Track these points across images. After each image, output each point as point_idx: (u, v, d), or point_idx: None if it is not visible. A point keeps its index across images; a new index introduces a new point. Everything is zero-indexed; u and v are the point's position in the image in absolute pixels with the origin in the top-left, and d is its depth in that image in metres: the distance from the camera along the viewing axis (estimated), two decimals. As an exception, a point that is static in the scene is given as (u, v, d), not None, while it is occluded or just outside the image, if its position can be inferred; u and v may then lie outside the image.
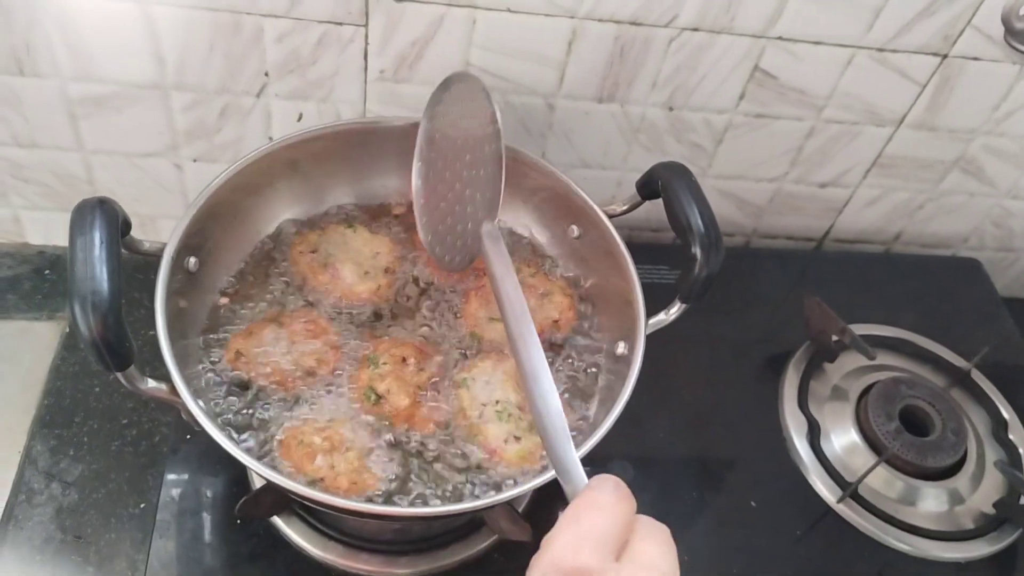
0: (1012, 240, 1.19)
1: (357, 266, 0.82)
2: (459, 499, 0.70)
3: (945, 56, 0.93)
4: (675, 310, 0.75)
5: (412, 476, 0.72)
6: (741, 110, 0.97)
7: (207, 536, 0.80)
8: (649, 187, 0.78)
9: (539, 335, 0.73)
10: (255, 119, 0.91)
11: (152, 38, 0.82)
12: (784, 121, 0.99)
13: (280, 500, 0.77)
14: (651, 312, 0.75)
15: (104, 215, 0.61)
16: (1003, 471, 0.94)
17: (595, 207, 0.81)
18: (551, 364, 0.77)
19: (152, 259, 0.70)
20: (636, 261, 0.78)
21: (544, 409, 0.56)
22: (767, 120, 0.99)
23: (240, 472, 0.84)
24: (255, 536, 0.80)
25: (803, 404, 0.97)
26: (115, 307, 0.57)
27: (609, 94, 0.94)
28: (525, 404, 0.75)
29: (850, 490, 0.89)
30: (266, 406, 0.73)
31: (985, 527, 0.91)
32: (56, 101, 0.87)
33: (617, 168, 1.03)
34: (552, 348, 0.82)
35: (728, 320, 1.04)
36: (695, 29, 0.88)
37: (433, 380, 0.77)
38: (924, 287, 1.14)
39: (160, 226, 0.99)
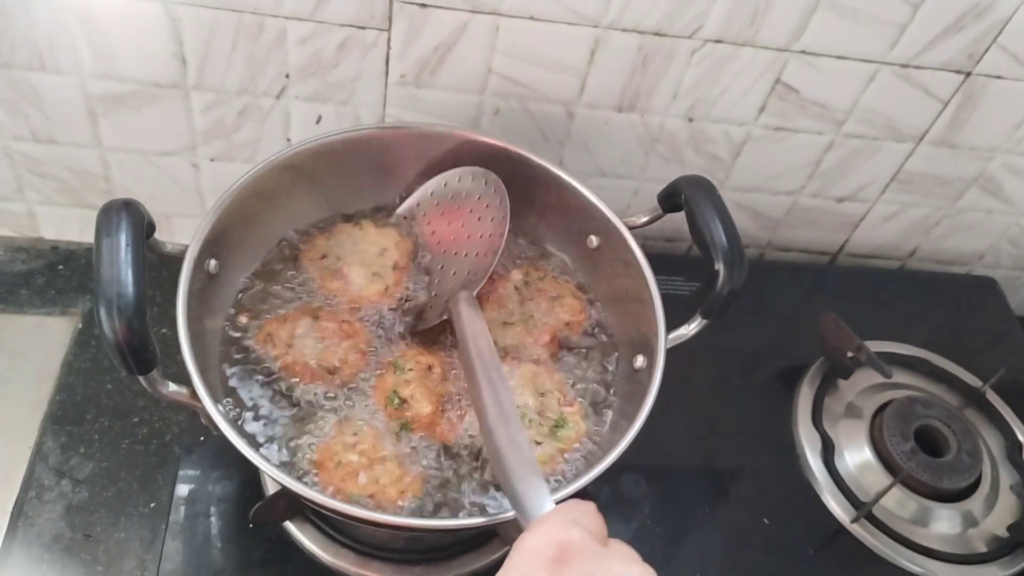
0: (1028, 259, 1.19)
1: (365, 267, 0.82)
2: (482, 510, 0.70)
3: (969, 74, 0.93)
4: (695, 325, 0.75)
5: (451, 480, 0.72)
6: (761, 123, 0.97)
7: (219, 539, 0.80)
8: (671, 200, 0.78)
9: (553, 338, 0.80)
10: (274, 120, 0.91)
11: (175, 38, 0.82)
12: (804, 135, 0.99)
13: (294, 505, 0.77)
14: (668, 324, 0.75)
15: (130, 217, 0.60)
16: (1018, 494, 0.94)
17: (615, 219, 0.81)
18: (566, 372, 0.80)
19: (171, 259, 0.70)
20: (653, 273, 0.77)
21: (511, 446, 0.60)
22: (787, 133, 0.98)
23: (253, 475, 0.84)
24: (267, 541, 0.80)
25: (817, 421, 0.97)
26: (140, 311, 0.57)
27: (629, 104, 0.93)
28: (543, 407, 0.76)
29: (865, 510, 0.89)
30: (285, 404, 0.73)
31: (998, 551, 0.91)
32: (76, 98, 0.86)
33: (634, 177, 1.02)
34: (569, 351, 0.82)
35: (741, 333, 1.03)
36: (718, 41, 0.88)
37: (457, 396, 0.76)
38: (939, 304, 1.14)
39: (175, 224, 0.98)
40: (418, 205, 0.86)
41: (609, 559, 0.47)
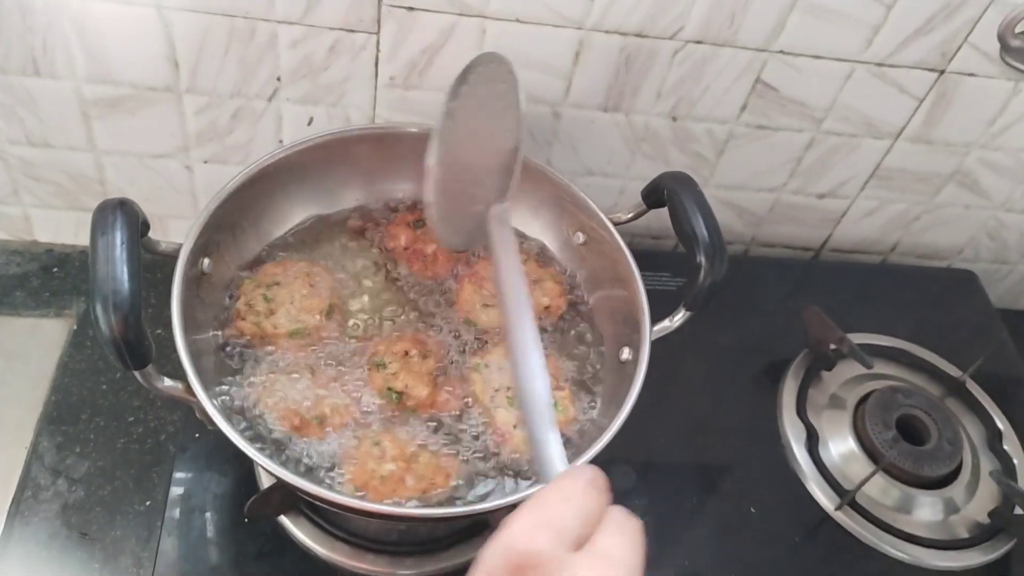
0: (1006, 252, 1.21)
1: (290, 318, 0.79)
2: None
3: (942, 72, 0.95)
4: (679, 317, 0.77)
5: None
6: (743, 121, 0.99)
7: (214, 535, 0.81)
8: (655, 196, 0.80)
9: None
10: (266, 123, 0.92)
11: (168, 42, 0.83)
12: (784, 132, 1.01)
13: (289, 499, 0.78)
14: (654, 319, 0.76)
15: (125, 216, 0.62)
16: (998, 481, 0.96)
17: (601, 215, 0.83)
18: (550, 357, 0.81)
19: (163, 259, 0.71)
20: (638, 268, 0.79)
21: (529, 389, 0.55)
22: (768, 131, 1.01)
23: (248, 471, 0.85)
24: (262, 535, 0.81)
25: (802, 412, 0.98)
26: (135, 307, 0.58)
27: (614, 104, 0.95)
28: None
29: (848, 498, 0.91)
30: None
31: (980, 536, 0.92)
32: (70, 102, 0.88)
33: (620, 176, 1.04)
34: (546, 335, 0.84)
35: (727, 327, 1.05)
36: (699, 42, 0.90)
37: (440, 365, 0.79)
38: (920, 298, 1.16)
39: (169, 226, 1.00)
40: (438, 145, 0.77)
41: (578, 569, 0.41)
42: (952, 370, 1.05)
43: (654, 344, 0.75)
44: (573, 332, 0.85)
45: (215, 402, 0.65)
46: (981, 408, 1.03)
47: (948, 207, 1.14)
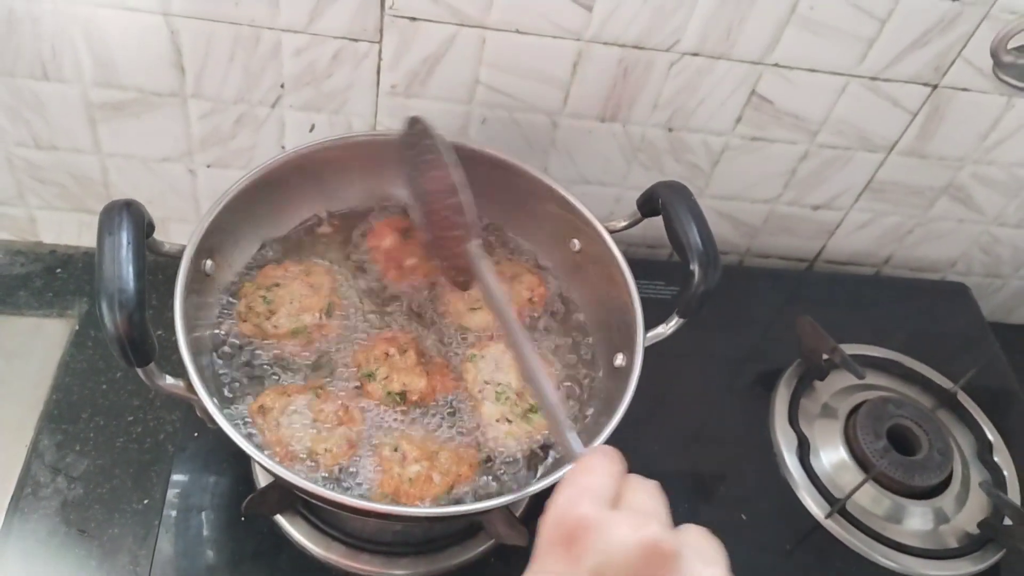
0: (999, 266, 1.23)
1: (292, 319, 0.80)
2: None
3: (935, 86, 0.97)
4: (673, 324, 0.78)
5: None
6: (738, 133, 1.00)
7: (211, 534, 0.82)
8: (649, 205, 0.81)
9: (517, 315, 0.81)
10: (269, 128, 0.94)
11: (174, 48, 0.85)
12: (779, 144, 1.02)
13: (285, 498, 0.79)
14: (648, 326, 0.78)
15: (131, 216, 0.63)
16: (988, 492, 0.96)
17: (596, 223, 0.84)
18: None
19: (167, 260, 0.72)
20: (633, 276, 0.80)
21: (545, 395, 0.63)
22: (763, 143, 1.02)
23: (245, 470, 0.86)
24: (259, 534, 0.82)
25: (794, 421, 0.99)
26: (140, 305, 0.60)
27: (611, 114, 0.97)
28: (523, 391, 0.80)
29: (838, 506, 0.92)
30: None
31: (969, 546, 0.93)
32: (77, 105, 0.89)
33: (617, 185, 1.05)
34: (543, 335, 0.87)
35: (721, 336, 1.06)
36: (695, 54, 0.91)
37: (421, 351, 0.81)
38: (913, 310, 1.17)
39: (171, 229, 1.01)
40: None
41: (619, 525, 0.47)
42: (944, 382, 1.06)
43: (649, 353, 0.76)
44: (567, 338, 0.86)
45: (215, 401, 0.66)
46: (972, 419, 1.04)
47: (941, 221, 1.15)
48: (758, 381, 1.05)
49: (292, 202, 0.87)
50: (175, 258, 0.72)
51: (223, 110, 0.91)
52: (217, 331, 0.79)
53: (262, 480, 0.84)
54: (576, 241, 0.87)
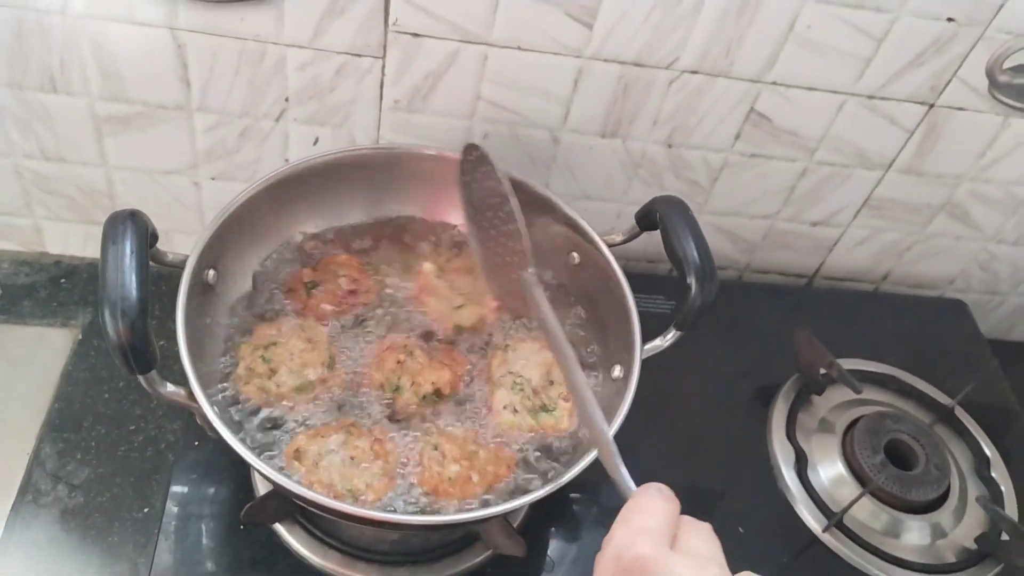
0: (997, 283, 1.23)
1: (294, 375, 0.79)
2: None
3: (932, 105, 0.98)
4: (670, 336, 0.79)
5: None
6: (737, 150, 1.01)
7: (210, 542, 0.82)
8: (648, 219, 0.82)
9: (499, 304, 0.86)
10: (273, 141, 0.95)
11: (180, 63, 0.86)
12: (778, 162, 1.03)
13: (284, 507, 0.80)
14: (646, 339, 0.78)
15: (135, 226, 0.64)
16: (985, 507, 0.97)
17: (596, 237, 0.85)
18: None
19: (168, 271, 0.73)
20: (632, 290, 0.81)
21: (599, 431, 0.63)
22: (761, 160, 1.03)
23: (245, 479, 0.86)
24: (257, 543, 0.82)
25: (791, 435, 1.00)
26: (143, 313, 0.61)
27: (612, 130, 0.98)
28: (542, 390, 0.81)
29: (835, 520, 0.92)
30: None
31: (966, 561, 0.93)
32: (84, 118, 0.90)
33: (617, 200, 1.06)
34: None
35: (720, 351, 1.07)
36: (695, 72, 0.92)
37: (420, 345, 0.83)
38: (911, 326, 1.17)
39: (176, 240, 1.02)
40: (456, 226, 0.93)
41: (680, 567, 0.48)
42: (941, 397, 1.07)
43: (647, 366, 0.77)
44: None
45: (215, 409, 0.67)
46: (969, 435, 1.04)
47: (939, 238, 1.16)
48: (756, 395, 1.05)
49: (296, 215, 0.88)
50: (178, 268, 0.73)
51: (228, 123, 0.92)
52: (223, 342, 0.80)
53: (261, 489, 0.85)
54: (575, 255, 0.88)
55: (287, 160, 0.97)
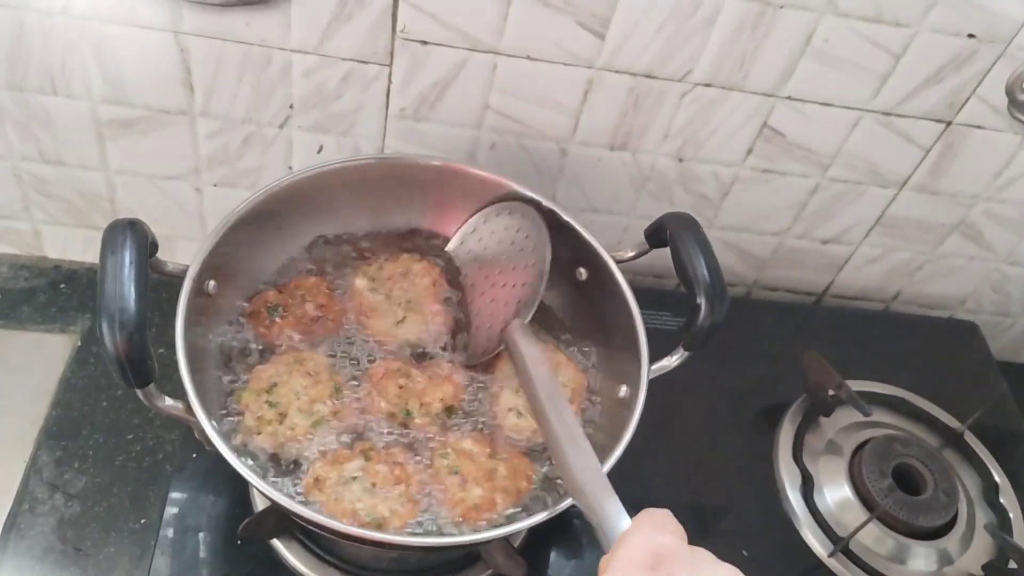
0: (1009, 305, 1.22)
1: (305, 414, 0.76)
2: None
3: (949, 123, 0.96)
4: (677, 357, 0.77)
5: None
6: (748, 164, 1.00)
7: (207, 556, 0.81)
8: (657, 236, 0.80)
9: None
10: (277, 149, 0.93)
11: (184, 67, 0.85)
12: (790, 177, 1.02)
13: (281, 523, 0.78)
14: (653, 357, 0.77)
15: (134, 236, 0.63)
16: (993, 534, 0.95)
17: (603, 252, 0.83)
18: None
19: (169, 279, 0.72)
20: (639, 306, 0.80)
21: (583, 467, 0.63)
22: (773, 175, 1.01)
23: (243, 493, 0.85)
24: (254, 558, 0.81)
25: (798, 456, 0.98)
26: (141, 325, 0.59)
27: (621, 143, 0.96)
28: None
29: (841, 545, 0.90)
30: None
31: (973, 589, 0.92)
32: (85, 122, 0.89)
33: (625, 214, 1.05)
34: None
35: (726, 369, 1.05)
36: (708, 85, 0.91)
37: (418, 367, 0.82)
38: (921, 347, 1.16)
39: (176, 247, 1.01)
40: (462, 243, 0.89)
41: (699, 561, 0.51)
42: (951, 421, 1.05)
43: (653, 383, 0.75)
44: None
45: (213, 424, 0.65)
46: (978, 460, 1.03)
47: (952, 258, 1.14)
48: (762, 415, 1.04)
49: (299, 224, 0.86)
50: (179, 278, 0.71)
51: (231, 129, 0.91)
52: (222, 356, 0.78)
53: (259, 504, 0.83)
54: (582, 270, 0.87)
55: (291, 168, 0.96)
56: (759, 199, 1.04)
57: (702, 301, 0.74)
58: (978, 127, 0.97)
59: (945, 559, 0.93)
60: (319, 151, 0.94)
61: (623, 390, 0.80)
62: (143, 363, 0.61)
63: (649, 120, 0.94)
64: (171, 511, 0.84)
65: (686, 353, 0.77)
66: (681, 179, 1.01)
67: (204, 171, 0.95)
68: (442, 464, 0.74)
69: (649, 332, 0.78)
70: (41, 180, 0.95)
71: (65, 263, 1.05)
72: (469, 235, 0.89)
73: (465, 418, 0.79)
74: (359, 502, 0.70)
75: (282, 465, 0.73)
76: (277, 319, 0.81)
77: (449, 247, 0.90)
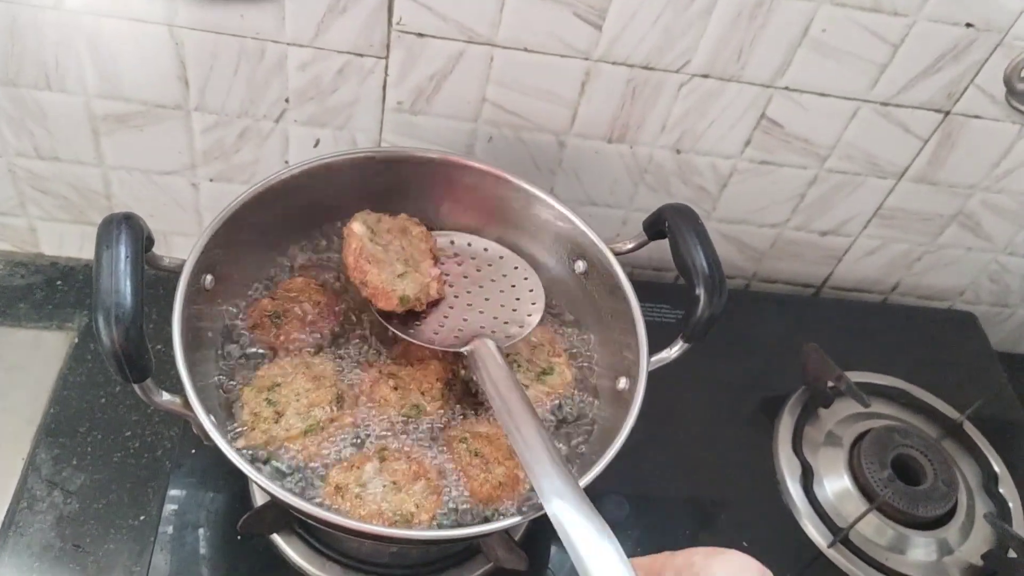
0: (1007, 295, 1.22)
1: (302, 417, 0.75)
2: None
3: (948, 113, 0.96)
4: (677, 348, 0.77)
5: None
6: (746, 156, 1.00)
7: (206, 552, 0.81)
8: (656, 227, 0.80)
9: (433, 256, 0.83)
10: (273, 143, 0.93)
11: (178, 61, 0.85)
12: (788, 169, 1.02)
13: (281, 517, 0.78)
14: (652, 350, 0.77)
15: (130, 230, 0.62)
16: (992, 524, 0.95)
17: (602, 245, 0.83)
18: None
19: (165, 274, 0.71)
20: (638, 298, 0.79)
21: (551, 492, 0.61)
22: (771, 167, 1.01)
23: (242, 488, 0.85)
24: (254, 553, 0.81)
25: (797, 448, 0.98)
26: (137, 320, 0.59)
27: (619, 135, 0.96)
28: (531, 356, 0.82)
29: (841, 535, 0.90)
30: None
31: (973, 578, 0.92)
32: (80, 117, 0.89)
33: (623, 207, 1.05)
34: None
35: (725, 361, 1.05)
36: (705, 76, 0.91)
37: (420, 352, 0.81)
38: (920, 338, 1.16)
39: (173, 242, 1.00)
40: (452, 242, 0.88)
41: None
42: (950, 411, 1.05)
43: (652, 375, 0.75)
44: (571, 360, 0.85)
45: (211, 419, 0.65)
46: (978, 450, 1.03)
47: (950, 248, 1.14)
48: (762, 407, 1.04)
49: (296, 218, 0.86)
50: (175, 272, 0.71)
51: (227, 124, 0.90)
52: (219, 350, 0.78)
53: (259, 498, 0.83)
54: (581, 262, 0.87)
55: (287, 162, 0.95)
56: (757, 191, 1.04)
57: (701, 292, 0.73)
58: (976, 117, 0.97)
59: (945, 549, 0.93)
60: (315, 145, 0.94)
61: (622, 382, 0.79)
62: (140, 357, 0.60)
63: (647, 112, 0.94)
64: (170, 507, 0.84)
65: (685, 345, 0.76)
66: (679, 171, 1.01)
67: (200, 166, 0.95)
68: (462, 448, 0.74)
69: (648, 324, 0.78)
70: (36, 176, 0.95)
71: (61, 259, 1.05)
72: (461, 238, 0.88)
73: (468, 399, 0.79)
74: (384, 502, 0.70)
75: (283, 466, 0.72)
76: (283, 325, 0.80)
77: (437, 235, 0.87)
